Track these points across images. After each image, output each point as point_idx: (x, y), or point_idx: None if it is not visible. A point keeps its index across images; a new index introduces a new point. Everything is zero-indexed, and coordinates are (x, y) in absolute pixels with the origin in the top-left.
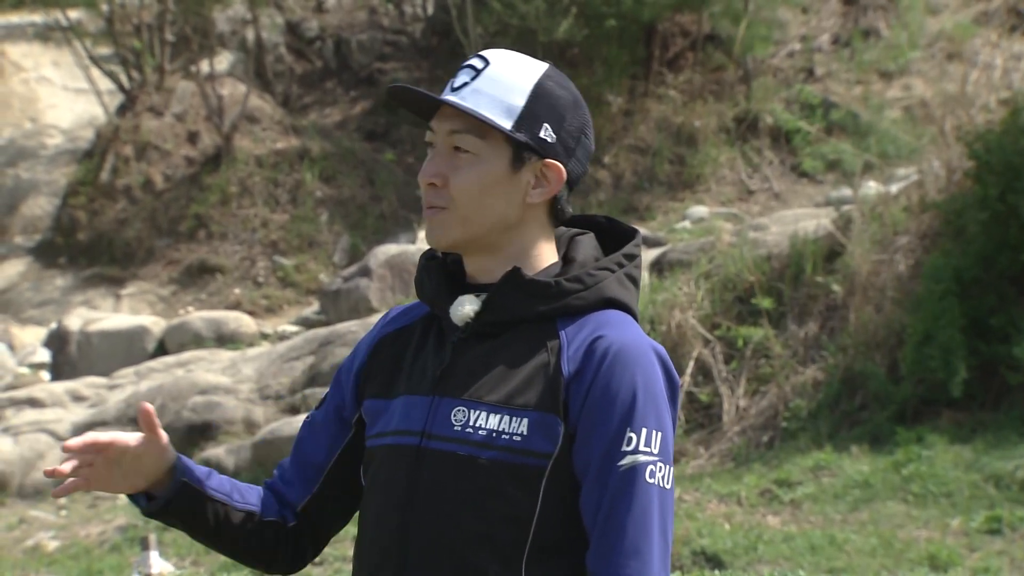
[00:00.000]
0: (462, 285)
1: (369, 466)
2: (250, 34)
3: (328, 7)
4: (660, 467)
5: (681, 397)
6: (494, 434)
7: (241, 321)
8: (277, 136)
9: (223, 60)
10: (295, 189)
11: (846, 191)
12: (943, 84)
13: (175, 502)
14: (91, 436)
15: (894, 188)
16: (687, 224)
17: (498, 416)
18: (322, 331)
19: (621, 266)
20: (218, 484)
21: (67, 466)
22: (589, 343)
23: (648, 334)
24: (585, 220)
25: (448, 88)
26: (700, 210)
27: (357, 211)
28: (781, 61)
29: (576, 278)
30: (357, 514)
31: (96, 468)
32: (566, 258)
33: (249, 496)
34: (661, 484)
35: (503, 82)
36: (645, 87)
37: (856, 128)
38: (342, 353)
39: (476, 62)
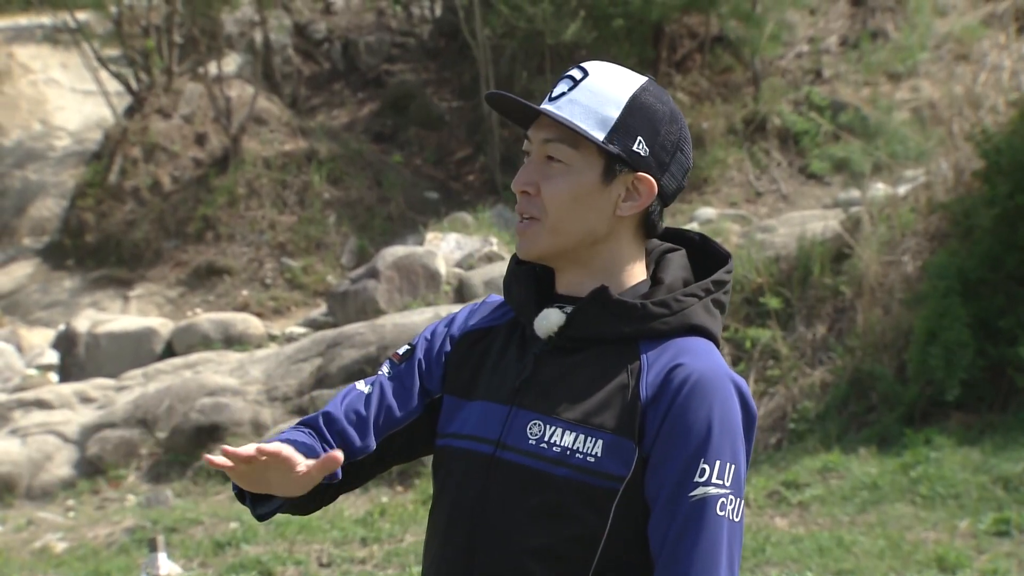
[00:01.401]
0: (550, 296)
1: (440, 467)
2: (258, 36)
3: (336, 9)
4: (731, 500)
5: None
6: (568, 452)
7: (249, 323)
8: (285, 138)
9: (231, 62)
10: (303, 191)
11: (854, 193)
12: (951, 86)
13: (296, 502)
14: (278, 447)
15: (902, 189)
16: (695, 226)
17: (574, 434)
18: (330, 333)
19: (709, 292)
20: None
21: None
22: (669, 370)
23: None
24: (678, 235)
25: (547, 98)
26: (708, 212)
27: (365, 213)
28: (789, 63)
29: (663, 302)
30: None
31: (255, 467)
32: (655, 276)
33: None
34: (731, 517)
35: (599, 93)
36: None
37: (864, 130)
38: (350, 355)
39: (575, 73)
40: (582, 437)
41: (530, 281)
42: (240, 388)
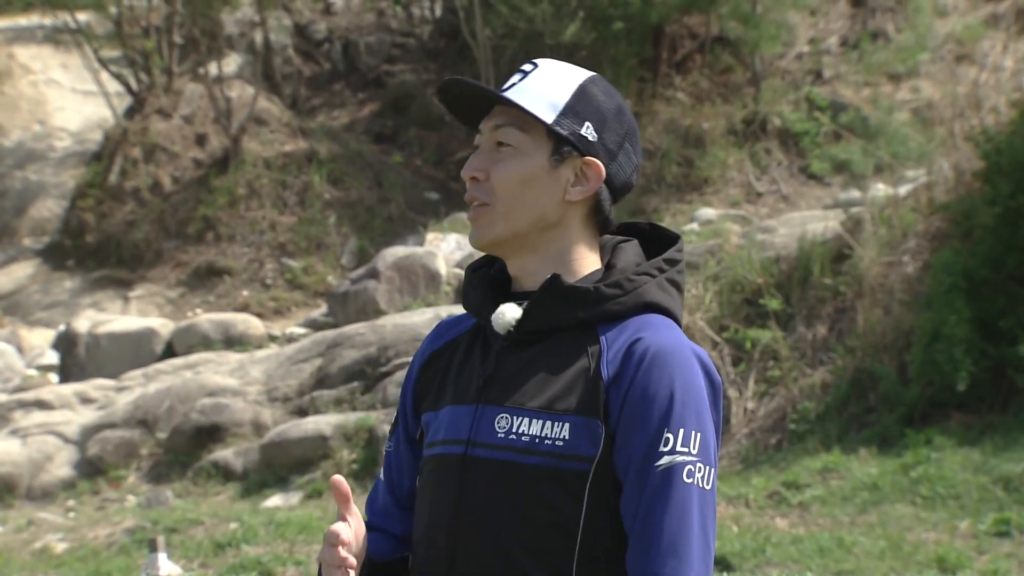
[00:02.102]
0: (507, 295)
1: (420, 475)
2: (258, 36)
3: (336, 9)
4: (700, 467)
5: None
6: (537, 439)
7: (249, 323)
8: (285, 138)
9: (231, 62)
10: (303, 191)
11: (854, 193)
12: (952, 86)
13: None
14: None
15: (903, 190)
16: (695, 226)
17: (540, 421)
18: (330, 333)
19: (662, 271)
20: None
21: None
22: (628, 346)
23: None
24: (629, 227)
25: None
26: (708, 212)
27: (365, 213)
28: (789, 63)
29: (616, 283)
30: None
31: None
32: (609, 265)
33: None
34: (701, 484)
35: (549, 81)
36: (653, 89)
37: (865, 130)
38: (350, 355)
39: (526, 66)
40: (549, 423)
41: (486, 284)
42: (240, 388)
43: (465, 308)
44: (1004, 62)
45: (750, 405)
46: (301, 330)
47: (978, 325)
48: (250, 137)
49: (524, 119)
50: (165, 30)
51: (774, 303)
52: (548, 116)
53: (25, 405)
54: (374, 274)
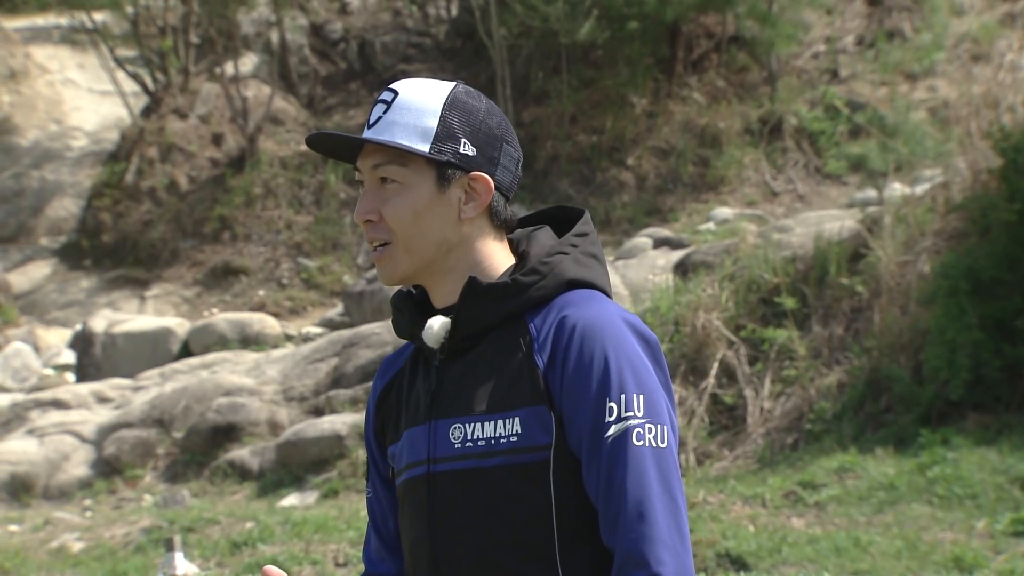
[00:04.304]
0: (432, 313)
1: (399, 506)
2: (274, 36)
3: (352, 9)
4: (649, 428)
5: (707, 396)
6: (493, 440)
7: (265, 323)
8: (301, 138)
9: (247, 62)
10: (319, 191)
11: (871, 192)
12: (968, 85)
13: None
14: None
15: (919, 189)
16: (711, 226)
17: (492, 422)
18: (346, 333)
19: (575, 246)
20: None
21: None
22: (556, 325)
23: (673, 335)
24: (538, 216)
25: (365, 127)
26: (724, 211)
27: None
28: (806, 62)
29: (531, 270)
30: None
31: None
32: (522, 255)
33: None
34: (653, 444)
35: (413, 108)
36: (669, 88)
37: (881, 129)
38: (366, 355)
39: (386, 95)
40: (500, 422)
41: (411, 306)
42: (257, 388)
43: (397, 334)
44: (1021, 61)
45: (766, 405)
46: (317, 329)
47: (993, 325)
48: (266, 136)
49: (401, 154)
50: (181, 30)
51: (790, 302)
52: (423, 146)
53: (42, 404)
54: None
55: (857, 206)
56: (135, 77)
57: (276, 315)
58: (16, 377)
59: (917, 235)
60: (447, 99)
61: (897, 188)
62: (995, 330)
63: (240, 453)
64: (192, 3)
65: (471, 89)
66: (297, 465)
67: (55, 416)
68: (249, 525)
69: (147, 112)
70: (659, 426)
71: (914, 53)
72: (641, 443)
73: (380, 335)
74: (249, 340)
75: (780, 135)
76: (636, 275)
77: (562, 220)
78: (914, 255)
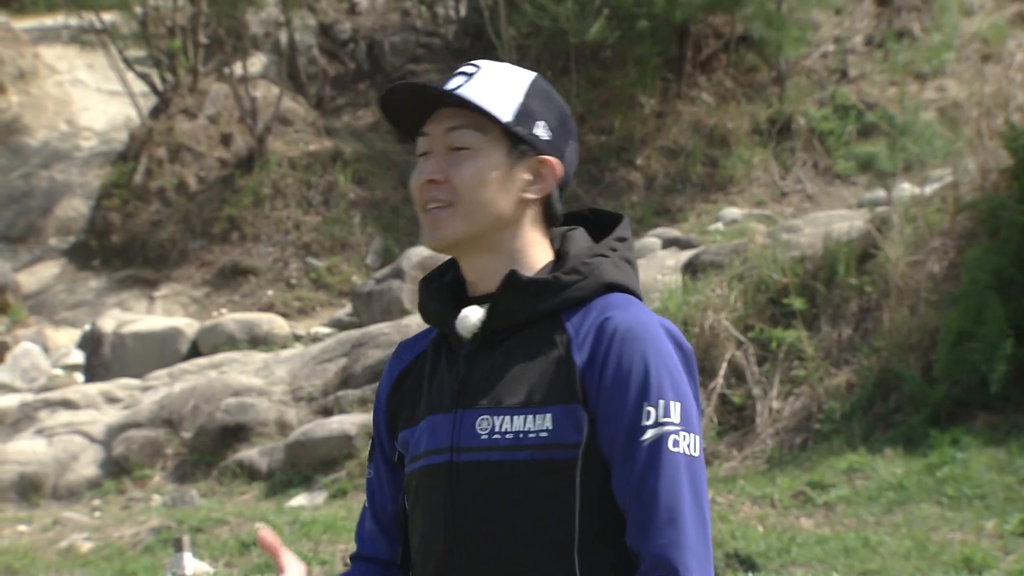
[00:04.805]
0: (464, 300)
1: (408, 493)
2: (283, 36)
3: (361, 9)
4: (684, 436)
5: (715, 396)
6: (521, 435)
7: (274, 323)
8: (310, 138)
9: (256, 62)
10: (328, 191)
11: (880, 193)
12: (978, 85)
13: None
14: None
15: (928, 189)
16: (720, 226)
17: (522, 417)
18: (355, 333)
19: (614, 250)
20: None
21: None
22: (597, 327)
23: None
24: (571, 216)
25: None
26: (733, 212)
27: (390, 213)
28: (814, 62)
29: (573, 269)
30: None
31: None
32: (559, 254)
33: None
34: (687, 452)
35: (498, 81)
36: (678, 89)
37: (890, 129)
38: (375, 355)
39: (468, 68)
40: (530, 417)
41: (443, 293)
42: (265, 388)
43: (425, 320)
44: None
45: (775, 405)
46: (326, 330)
47: (1009, 324)
48: (275, 137)
49: (480, 120)
50: (190, 30)
51: (799, 303)
52: (505, 116)
53: (51, 404)
54: (399, 274)
55: (866, 206)
56: (144, 77)
57: (285, 315)
58: (25, 377)
59: (926, 235)
60: (531, 82)
61: (906, 188)
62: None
63: (249, 453)
64: (201, 3)
65: (551, 85)
66: (306, 465)
67: (64, 416)
68: (258, 525)
69: (156, 112)
70: (692, 435)
71: (923, 53)
72: (676, 450)
73: (389, 335)
74: (258, 340)
75: (789, 135)
76: (645, 275)
77: (593, 222)
78: (923, 255)
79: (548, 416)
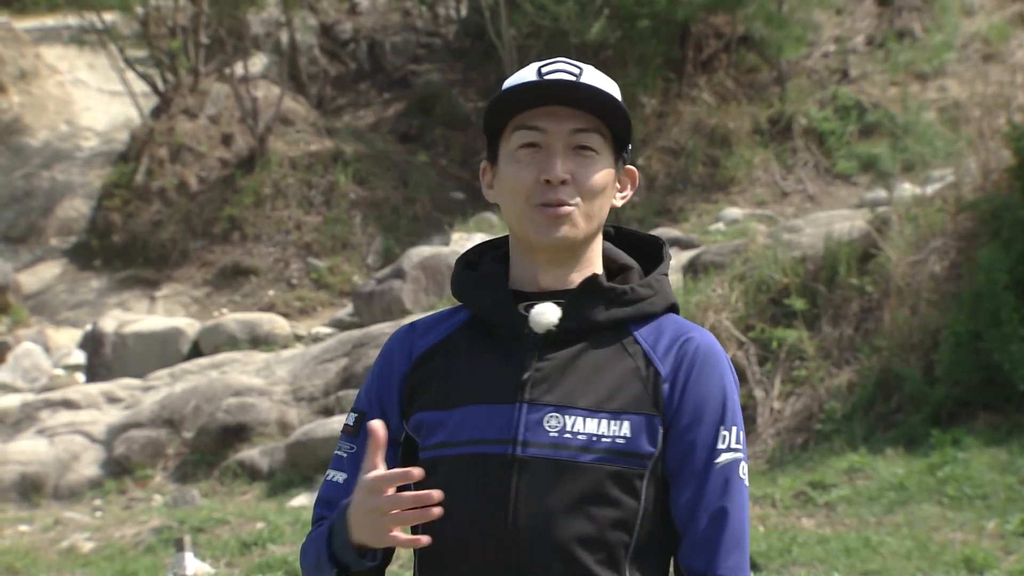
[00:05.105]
0: (514, 294)
1: (430, 475)
2: (284, 36)
3: (361, 9)
4: (744, 464)
5: None
6: (594, 438)
7: (275, 323)
8: (311, 138)
9: (257, 62)
10: (329, 191)
11: (881, 193)
12: (979, 85)
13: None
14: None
15: (930, 189)
16: (721, 226)
17: (596, 420)
18: (356, 333)
19: (667, 273)
20: None
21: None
22: (679, 346)
23: None
24: None
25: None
26: (734, 212)
27: (391, 213)
28: (815, 62)
29: (647, 284)
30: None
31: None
32: (609, 265)
33: None
34: (747, 480)
35: (605, 87)
36: (679, 89)
37: (891, 130)
38: (375, 355)
39: (569, 68)
40: (606, 421)
41: (500, 280)
42: (266, 388)
43: (470, 306)
44: None
45: (776, 405)
46: (327, 330)
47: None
48: (276, 137)
49: (601, 125)
50: (191, 30)
51: (800, 303)
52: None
53: (52, 404)
54: (400, 274)
55: (867, 206)
56: (145, 77)
57: (286, 315)
58: (26, 377)
59: (927, 235)
60: (619, 91)
61: (907, 188)
62: None
63: (250, 453)
64: (202, 3)
65: None
66: (307, 465)
67: (65, 416)
68: (259, 525)
69: (157, 112)
70: (746, 464)
71: (924, 53)
72: (743, 477)
73: (390, 335)
74: (259, 340)
75: (790, 135)
76: None
77: (613, 237)
78: (924, 255)
79: (626, 423)
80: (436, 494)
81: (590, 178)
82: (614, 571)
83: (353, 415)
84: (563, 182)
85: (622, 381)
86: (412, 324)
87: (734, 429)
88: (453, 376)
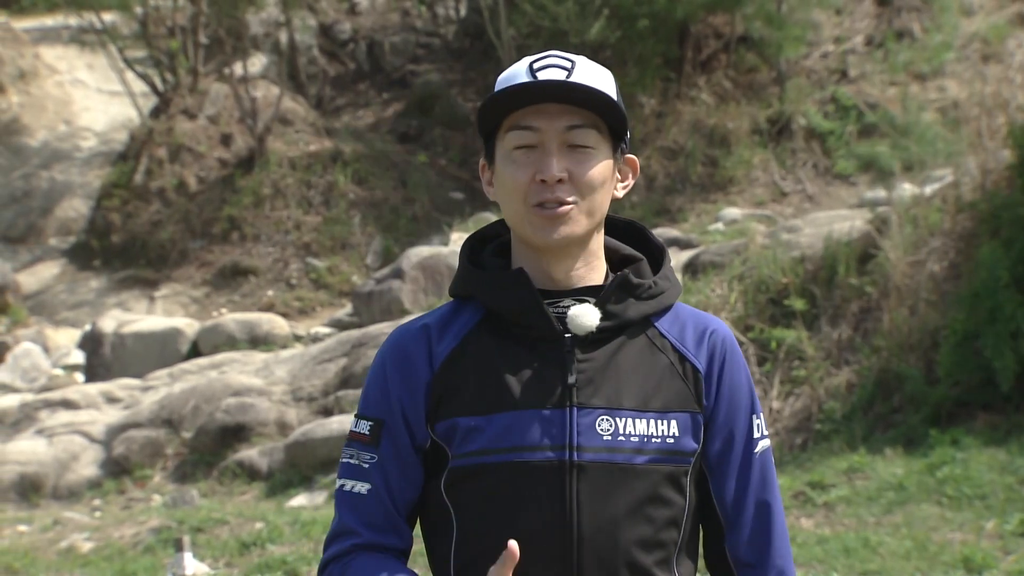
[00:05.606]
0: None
1: (468, 483)
2: (283, 36)
3: (361, 9)
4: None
5: None
6: (645, 439)
7: (274, 323)
8: (310, 138)
9: (256, 62)
10: (328, 191)
11: (880, 193)
12: (978, 85)
13: None
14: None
15: (929, 189)
16: (720, 226)
17: (644, 420)
18: (355, 333)
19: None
20: None
21: None
22: (708, 339)
23: None
24: None
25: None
26: (733, 212)
27: (390, 213)
28: (814, 63)
29: (664, 277)
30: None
31: None
32: (615, 256)
33: None
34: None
35: (600, 79)
36: (678, 89)
37: (891, 130)
38: (375, 355)
39: (561, 62)
40: (655, 421)
41: (527, 281)
42: (265, 388)
43: (496, 308)
44: None
45: (775, 405)
46: (326, 330)
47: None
48: (275, 137)
49: (596, 120)
50: (190, 30)
51: (799, 303)
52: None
53: (51, 405)
54: (399, 274)
55: (866, 206)
56: (144, 77)
57: (285, 315)
58: (25, 377)
59: (927, 235)
60: (614, 80)
61: (906, 188)
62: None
63: (249, 453)
64: (201, 3)
65: None
66: (306, 465)
67: (64, 416)
68: (258, 525)
69: (156, 112)
70: None
71: (923, 53)
72: (773, 461)
73: (392, 335)
74: (258, 340)
75: (789, 135)
76: None
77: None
78: (924, 255)
79: (674, 422)
80: None
81: (587, 174)
82: (667, 569)
83: (367, 423)
84: (560, 180)
85: (660, 378)
86: (423, 325)
87: (762, 416)
88: (486, 380)
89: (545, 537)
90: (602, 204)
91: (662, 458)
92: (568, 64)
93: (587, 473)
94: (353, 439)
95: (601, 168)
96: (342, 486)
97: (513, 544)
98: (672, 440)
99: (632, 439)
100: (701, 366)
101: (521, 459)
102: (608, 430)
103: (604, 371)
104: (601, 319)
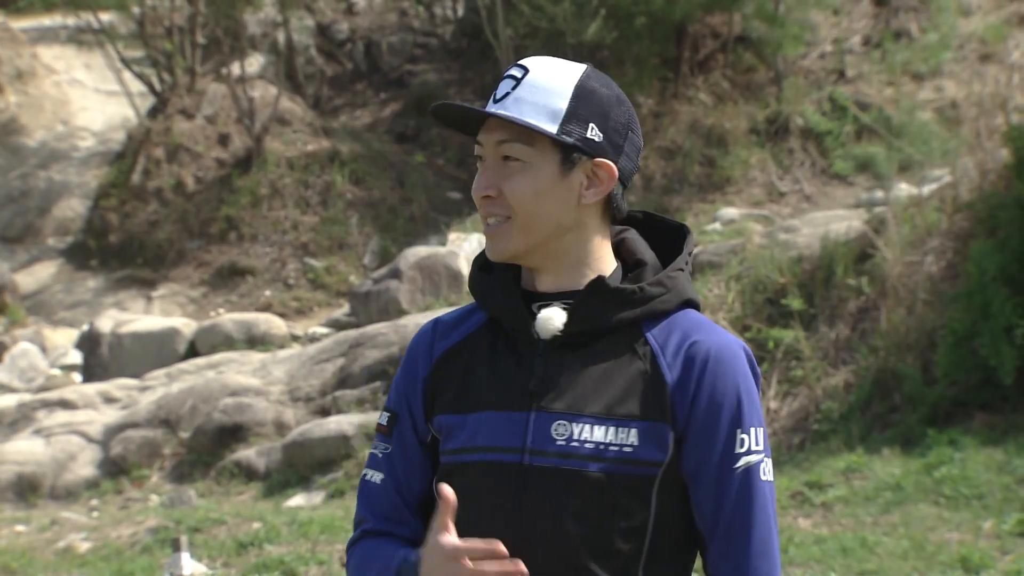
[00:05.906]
0: (525, 295)
1: (449, 480)
2: (281, 36)
3: (358, 9)
4: (767, 462)
5: None
6: (602, 446)
7: (272, 323)
8: (308, 138)
9: (254, 62)
10: (325, 191)
11: (877, 193)
12: (975, 86)
13: None
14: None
15: (926, 189)
16: (717, 226)
17: (603, 427)
18: (352, 333)
19: (687, 265)
20: None
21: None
22: (687, 348)
23: None
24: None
25: (491, 101)
26: (730, 212)
27: (387, 213)
28: (812, 63)
29: (658, 282)
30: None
31: None
32: (623, 258)
33: None
34: (770, 479)
35: (544, 87)
36: (675, 89)
37: (888, 130)
38: (372, 355)
39: (515, 72)
40: (613, 429)
41: (512, 285)
42: (263, 388)
43: (486, 310)
44: None
45: (773, 405)
46: (323, 330)
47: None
48: (273, 137)
49: (528, 132)
50: (188, 30)
51: (797, 303)
52: (551, 127)
53: (48, 405)
54: (396, 274)
55: (864, 206)
56: (141, 77)
57: (282, 315)
58: (23, 377)
59: (924, 235)
60: (578, 82)
61: (904, 188)
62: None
63: (246, 453)
64: (198, 3)
65: (602, 74)
66: (303, 465)
67: (62, 416)
68: (256, 525)
69: (153, 112)
70: (770, 460)
71: (921, 53)
72: (765, 478)
73: (386, 335)
74: (255, 340)
75: (786, 135)
76: None
77: (644, 225)
78: (921, 255)
79: (633, 431)
80: (522, 566)
81: (512, 190)
82: None
83: (386, 415)
84: (488, 197)
85: (631, 385)
86: (436, 321)
87: (752, 431)
88: (470, 379)
89: (501, 539)
90: (545, 216)
91: (618, 467)
92: (519, 73)
93: (538, 477)
94: (377, 430)
95: (530, 182)
96: (364, 475)
97: (446, 488)
98: (630, 449)
99: (587, 445)
100: (670, 378)
101: (485, 459)
102: (563, 435)
103: (570, 375)
104: (570, 323)
